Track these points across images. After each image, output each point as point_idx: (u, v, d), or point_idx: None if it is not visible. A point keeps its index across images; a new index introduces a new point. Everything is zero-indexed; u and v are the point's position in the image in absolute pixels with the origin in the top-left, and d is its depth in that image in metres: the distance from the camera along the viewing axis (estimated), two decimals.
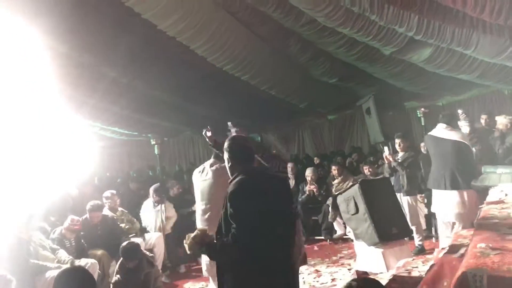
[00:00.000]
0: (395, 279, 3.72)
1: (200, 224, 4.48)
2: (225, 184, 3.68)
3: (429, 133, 5.54)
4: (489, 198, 4.02)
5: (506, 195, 3.83)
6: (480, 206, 3.87)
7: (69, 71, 7.58)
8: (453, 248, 3.30)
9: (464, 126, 6.04)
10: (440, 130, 5.32)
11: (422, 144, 6.89)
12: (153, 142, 7.88)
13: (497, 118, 6.32)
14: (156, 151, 7.92)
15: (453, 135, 5.23)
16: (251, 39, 8.15)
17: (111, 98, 9.00)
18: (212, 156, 4.64)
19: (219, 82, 9.23)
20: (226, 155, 2.84)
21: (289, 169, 7.57)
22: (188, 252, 2.71)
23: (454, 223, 5.17)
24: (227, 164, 2.84)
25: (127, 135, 12.34)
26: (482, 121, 6.55)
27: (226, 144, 2.88)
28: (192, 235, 2.65)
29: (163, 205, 6.54)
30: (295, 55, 8.82)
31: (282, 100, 10.41)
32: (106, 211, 6.08)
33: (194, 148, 13.65)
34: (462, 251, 3.10)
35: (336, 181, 7.37)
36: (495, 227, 2.99)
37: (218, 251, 2.61)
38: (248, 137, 4.56)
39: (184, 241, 2.68)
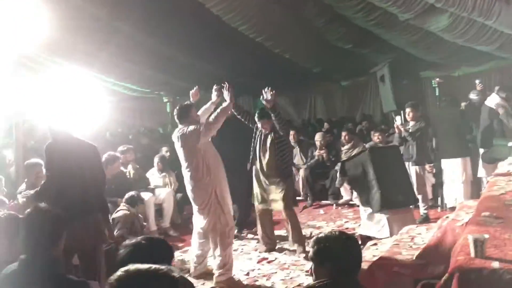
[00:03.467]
0: (397, 244, 3.80)
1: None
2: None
3: None
4: (497, 170, 4.04)
5: None
6: (489, 177, 3.91)
7: (82, 24, 7.55)
8: (457, 217, 3.36)
9: (476, 97, 6.01)
10: None
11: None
12: (165, 100, 7.91)
13: None
14: (168, 109, 7.94)
15: None
16: (267, 2, 8.02)
17: (124, 53, 8.98)
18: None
19: (233, 42, 9.14)
20: None
21: (291, 137, 7.62)
22: None
23: None
24: None
25: (140, 91, 12.35)
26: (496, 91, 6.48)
27: None
28: None
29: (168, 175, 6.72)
30: (311, 19, 8.67)
31: (295, 63, 10.31)
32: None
33: None
34: (466, 219, 3.16)
35: (345, 147, 7.40)
36: (500, 198, 3.03)
37: None
38: None
39: None
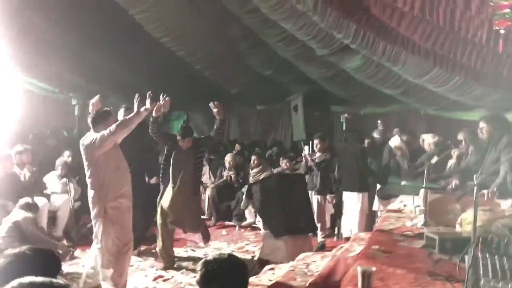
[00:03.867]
0: (293, 270, 3.89)
1: None
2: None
3: None
4: (390, 206, 4.33)
5: (404, 205, 4.15)
6: (382, 212, 4.16)
7: None
8: (351, 247, 3.52)
9: (378, 135, 6.44)
10: None
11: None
12: (74, 102, 7.47)
13: (424, 136, 6.78)
14: (76, 112, 7.52)
15: None
16: (193, 17, 8.03)
17: (36, 48, 8.45)
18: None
19: (153, 53, 9.00)
20: None
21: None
22: None
23: None
24: None
25: (47, 90, 11.63)
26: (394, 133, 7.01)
27: None
28: None
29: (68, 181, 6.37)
30: (235, 41, 8.84)
31: (214, 82, 10.37)
32: (14, 167, 5.75)
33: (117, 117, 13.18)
34: (358, 250, 3.33)
35: (254, 170, 7.49)
36: (390, 232, 3.24)
37: None
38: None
39: None
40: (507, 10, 4.19)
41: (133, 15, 7.49)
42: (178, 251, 5.93)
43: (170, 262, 5.34)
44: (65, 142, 9.18)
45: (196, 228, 5.56)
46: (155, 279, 4.96)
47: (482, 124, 4.04)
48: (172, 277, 5.02)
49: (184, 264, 5.42)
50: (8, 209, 4.94)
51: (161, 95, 5.04)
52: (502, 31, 4.40)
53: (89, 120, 4.40)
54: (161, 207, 5.30)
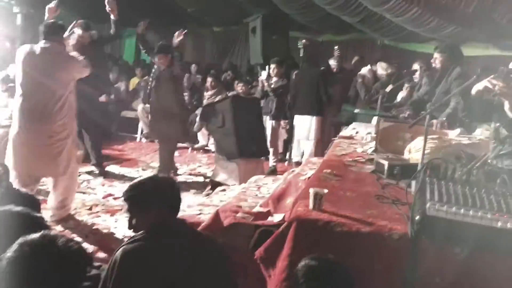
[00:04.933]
0: (245, 192, 3.95)
1: None
2: None
3: None
4: (342, 133, 4.40)
5: (357, 132, 4.24)
6: (334, 139, 4.24)
7: None
8: (302, 171, 3.59)
9: (333, 62, 6.44)
10: None
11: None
12: (16, 10, 6.84)
13: (378, 64, 6.80)
14: (18, 21, 6.90)
15: None
16: None
17: None
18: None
19: None
20: None
21: None
22: None
23: None
24: None
25: None
26: (353, 61, 7.02)
27: None
28: None
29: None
30: None
31: (169, 0, 9.82)
32: None
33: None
34: (309, 174, 3.40)
35: (209, 92, 7.40)
36: (341, 158, 3.31)
37: None
38: None
39: None
40: None
41: None
42: (129, 171, 5.89)
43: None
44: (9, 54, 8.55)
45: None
46: (104, 197, 4.92)
47: (436, 55, 4.08)
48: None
49: None
50: None
51: None
52: None
53: (42, 28, 3.97)
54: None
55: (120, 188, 5.15)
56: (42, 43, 3.88)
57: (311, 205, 2.18)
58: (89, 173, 5.61)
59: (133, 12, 10.64)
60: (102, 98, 5.85)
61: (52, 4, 4.49)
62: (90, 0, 9.87)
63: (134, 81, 8.51)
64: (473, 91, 2.44)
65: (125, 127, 7.86)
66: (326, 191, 2.19)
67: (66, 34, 4.18)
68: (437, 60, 4.01)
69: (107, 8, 5.17)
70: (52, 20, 4.11)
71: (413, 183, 2.29)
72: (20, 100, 3.85)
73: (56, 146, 3.91)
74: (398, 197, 2.36)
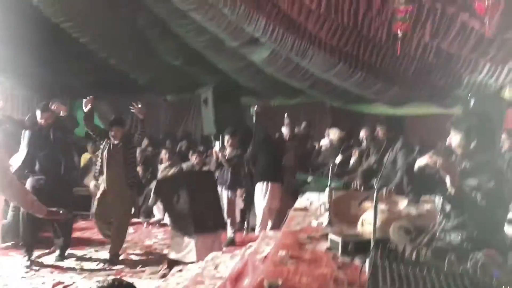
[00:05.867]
0: (202, 273, 3.83)
1: None
2: None
3: None
4: (296, 204, 4.40)
5: (310, 203, 4.25)
6: (289, 210, 4.22)
7: None
8: (259, 248, 3.53)
9: (285, 130, 6.58)
10: None
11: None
12: None
13: (330, 130, 7.01)
14: None
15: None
16: (97, 2, 7.55)
17: None
18: None
19: (54, 38, 8.32)
20: None
21: None
22: None
23: None
24: None
25: None
26: (302, 127, 7.20)
27: None
28: None
29: None
30: (143, 29, 8.48)
31: (121, 71, 9.87)
32: None
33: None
34: (266, 251, 3.34)
35: (163, 165, 7.31)
36: (297, 234, 3.28)
37: None
38: None
39: None
40: (404, 15, 4.42)
41: None
42: (85, 252, 5.64)
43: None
44: None
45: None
46: (53, 286, 4.63)
47: (378, 127, 4.26)
48: (74, 282, 4.72)
49: (89, 266, 5.15)
50: None
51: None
52: (399, 34, 4.63)
53: None
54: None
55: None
56: None
57: None
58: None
59: (84, 85, 10.66)
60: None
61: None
62: (45, 76, 9.84)
63: (86, 156, 8.32)
64: (416, 166, 2.53)
65: (76, 205, 7.56)
66: (280, 282, 2.14)
67: None
68: (379, 132, 4.18)
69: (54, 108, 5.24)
70: None
71: (367, 262, 2.28)
72: None
73: None
74: (354, 278, 2.33)
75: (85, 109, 5.26)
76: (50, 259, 5.41)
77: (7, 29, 7.76)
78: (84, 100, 5.28)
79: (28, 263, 5.10)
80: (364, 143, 5.54)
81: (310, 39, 6.96)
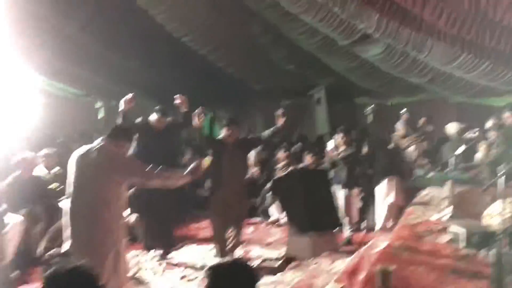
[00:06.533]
0: (317, 268, 3.83)
1: None
2: None
3: None
4: (415, 199, 4.19)
5: (431, 198, 4.01)
6: (407, 206, 4.04)
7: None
8: (374, 244, 3.43)
9: (400, 125, 6.29)
10: None
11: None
12: (98, 105, 7.50)
13: (448, 125, 6.58)
14: (100, 115, 7.56)
15: None
16: (213, 14, 8.02)
17: (56, 49, 8.64)
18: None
19: (175, 52, 9.03)
20: None
21: None
22: None
23: None
24: None
25: (73, 94, 11.85)
26: (420, 124, 6.84)
27: None
28: None
29: None
30: (256, 36, 8.78)
31: (237, 79, 10.34)
32: (42, 170, 5.87)
33: (143, 116, 13.25)
34: (382, 246, 3.23)
35: (280, 164, 7.45)
36: (415, 227, 3.13)
37: None
38: None
39: None
40: None
41: (153, 16, 7.54)
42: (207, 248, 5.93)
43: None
44: None
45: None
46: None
47: (507, 113, 3.86)
48: (196, 277, 5.00)
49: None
50: (36, 213, 5.01)
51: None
52: None
53: (115, 127, 3.98)
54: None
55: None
56: (95, 142, 3.69)
57: (379, 285, 2.05)
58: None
59: (204, 95, 11.36)
60: None
61: (129, 96, 4.84)
62: (166, 86, 10.72)
63: (207, 160, 8.79)
64: None
65: (200, 206, 8.03)
66: (392, 268, 2.06)
67: None
68: (510, 118, 3.79)
69: (177, 101, 5.29)
70: (119, 123, 4.27)
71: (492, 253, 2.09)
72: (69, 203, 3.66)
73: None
74: (478, 269, 2.16)
75: (194, 122, 5.10)
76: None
77: (134, 46, 8.66)
78: (194, 113, 5.11)
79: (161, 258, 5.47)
80: (490, 134, 5.06)
81: (428, 30, 6.59)
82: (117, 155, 3.65)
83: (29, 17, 7.31)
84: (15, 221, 4.65)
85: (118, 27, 8.11)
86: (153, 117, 5.49)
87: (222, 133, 5.27)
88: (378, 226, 5.91)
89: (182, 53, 8.96)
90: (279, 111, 5.32)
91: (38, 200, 5.24)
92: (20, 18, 7.13)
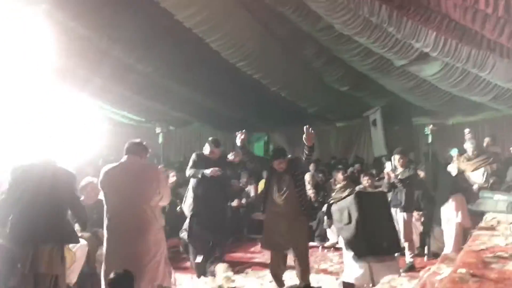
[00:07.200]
0: None
1: None
2: None
3: None
4: (481, 224, 3.98)
5: (498, 222, 3.80)
6: (472, 231, 3.84)
7: (72, 46, 7.64)
8: (438, 270, 3.27)
9: (469, 147, 6.02)
10: None
11: None
12: (158, 131, 7.78)
13: None
14: (160, 140, 7.83)
15: None
16: (267, 39, 8.16)
17: (118, 79, 9.11)
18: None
19: (231, 77, 9.25)
20: None
21: None
22: None
23: None
24: None
25: (135, 121, 12.39)
26: (485, 144, 6.54)
27: None
28: None
29: None
30: (309, 59, 8.81)
31: (291, 102, 10.39)
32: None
33: (201, 141, 13.61)
34: (446, 273, 3.08)
35: (338, 186, 7.33)
36: (481, 253, 2.96)
37: None
38: None
39: None
40: None
41: (209, 44, 7.78)
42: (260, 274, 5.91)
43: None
44: None
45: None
46: None
47: None
48: None
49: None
50: (99, 235, 5.18)
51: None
52: None
53: (126, 145, 4.28)
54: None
55: None
56: (122, 159, 4.12)
57: None
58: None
59: (259, 118, 11.51)
60: (234, 203, 6.14)
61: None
62: (221, 111, 10.96)
63: (263, 183, 8.84)
64: None
65: (256, 229, 8.03)
66: None
67: None
68: None
69: (230, 156, 5.62)
70: (137, 140, 4.37)
71: None
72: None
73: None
74: None
75: (238, 143, 5.07)
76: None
77: (192, 73, 8.96)
78: (237, 134, 5.07)
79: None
80: None
81: (489, 47, 6.37)
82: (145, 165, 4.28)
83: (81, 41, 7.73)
84: (79, 244, 4.84)
85: (174, 55, 8.42)
86: (206, 149, 5.65)
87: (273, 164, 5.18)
88: (447, 248, 5.64)
89: (238, 78, 9.15)
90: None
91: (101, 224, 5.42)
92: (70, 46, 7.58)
